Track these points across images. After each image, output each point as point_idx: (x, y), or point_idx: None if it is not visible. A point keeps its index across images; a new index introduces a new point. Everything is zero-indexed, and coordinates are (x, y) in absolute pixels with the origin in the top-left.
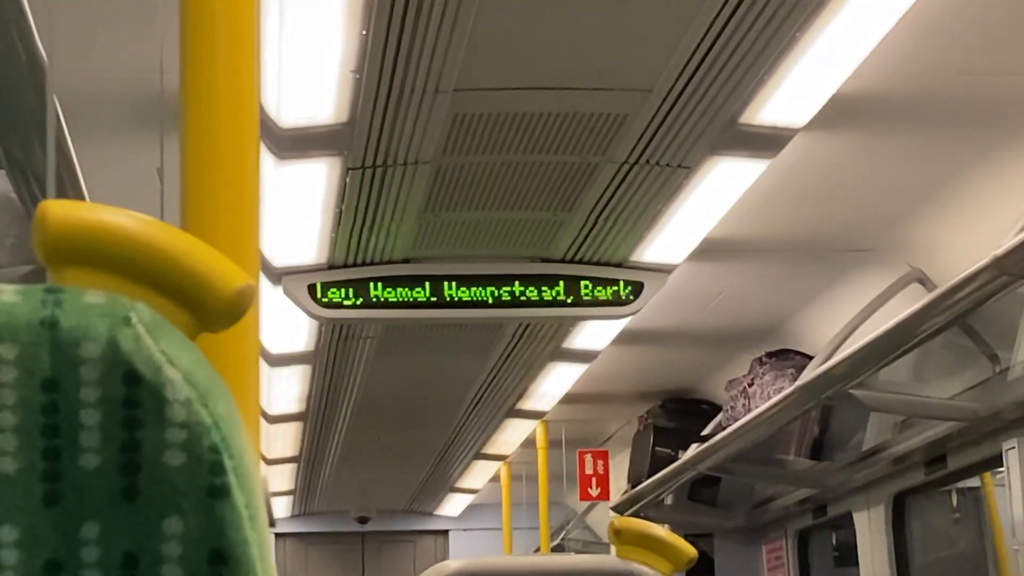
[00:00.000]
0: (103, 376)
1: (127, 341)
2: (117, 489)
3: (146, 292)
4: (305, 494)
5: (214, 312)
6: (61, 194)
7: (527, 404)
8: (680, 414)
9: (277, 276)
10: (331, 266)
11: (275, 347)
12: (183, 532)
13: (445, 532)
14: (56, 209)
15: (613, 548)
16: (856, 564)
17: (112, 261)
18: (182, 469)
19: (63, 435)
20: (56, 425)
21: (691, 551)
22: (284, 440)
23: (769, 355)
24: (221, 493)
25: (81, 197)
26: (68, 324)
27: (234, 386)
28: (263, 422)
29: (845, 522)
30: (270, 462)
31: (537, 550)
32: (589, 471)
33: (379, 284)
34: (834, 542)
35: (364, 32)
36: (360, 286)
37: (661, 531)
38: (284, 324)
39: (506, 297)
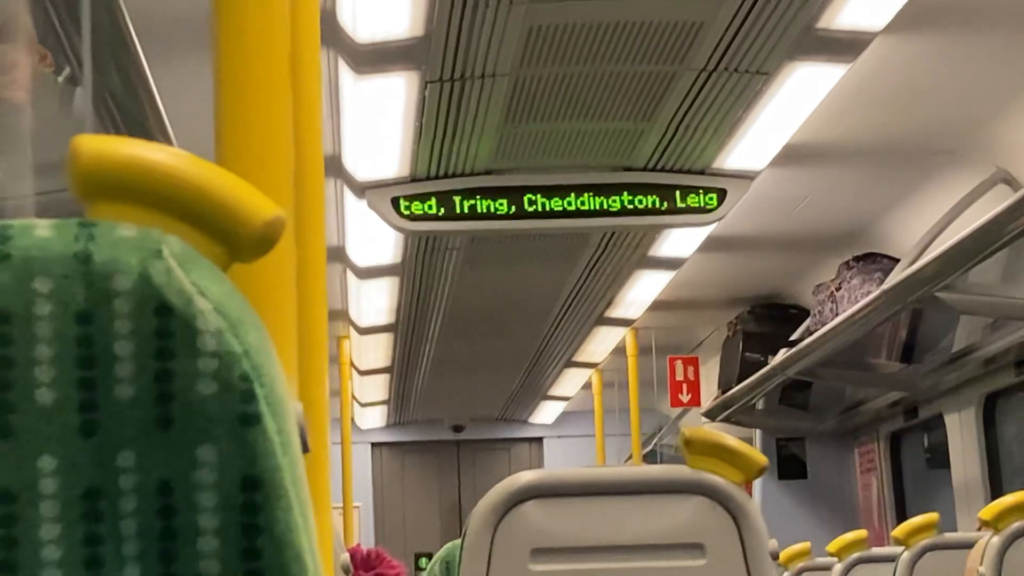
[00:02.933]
0: (135, 308)
1: (158, 273)
2: (151, 418)
3: (178, 225)
4: (399, 404)
5: (244, 243)
6: (140, 114)
7: (616, 312)
8: (769, 319)
9: (361, 190)
10: (414, 179)
11: (362, 260)
12: (216, 459)
13: (539, 439)
14: (89, 144)
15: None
16: (948, 466)
17: (144, 195)
18: (214, 398)
19: (98, 366)
20: (91, 356)
21: (762, 460)
22: (376, 351)
23: (856, 259)
24: (252, 420)
25: (159, 117)
26: (101, 258)
27: (268, 315)
28: (354, 333)
29: (936, 424)
30: (363, 372)
31: (629, 457)
32: (680, 377)
33: (462, 196)
34: (926, 444)
35: None
36: (443, 198)
37: (732, 440)
38: (370, 237)
39: (589, 206)
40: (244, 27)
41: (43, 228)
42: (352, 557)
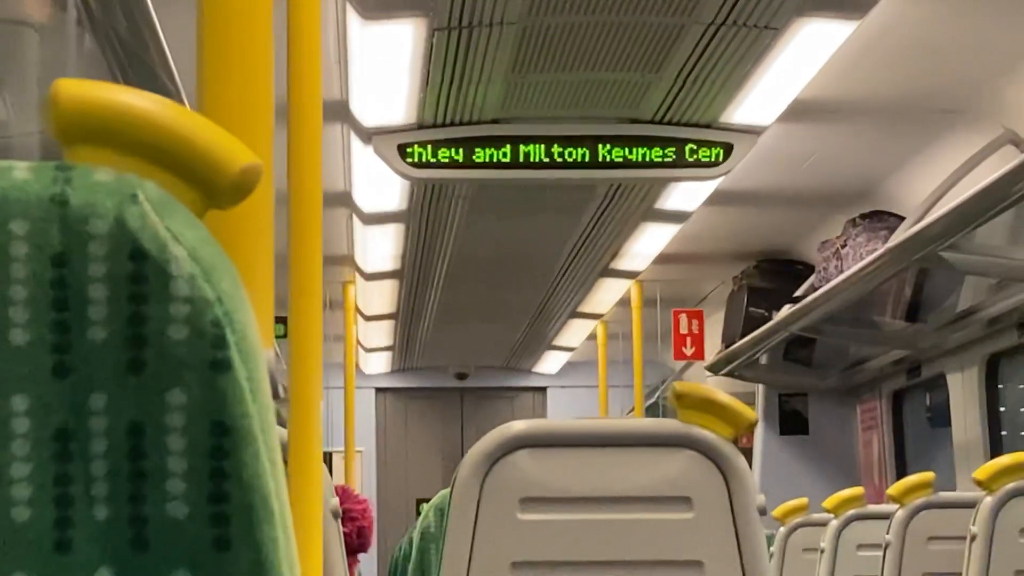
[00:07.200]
0: (110, 252)
1: (134, 218)
2: (123, 361)
3: (155, 170)
4: (404, 350)
5: (221, 189)
6: (144, 53)
7: (621, 264)
8: (774, 275)
9: (367, 136)
10: (420, 126)
11: (368, 206)
12: (186, 404)
13: (543, 389)
14: (67, 87)
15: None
16: (949, 424)
17: (121, 139)
18: (185, 343)
19: (72, 309)
20: (65, 299)
21: (752, 416)
22: (380, 297)
23: (863, 216)
24: (223, 367)
25: (163, 57)
26: (77, 201)
27: (244, 262)
28: (359, 278)
29: (939, 383)
30: (368, 318)
31: (632, 409)
32: (684, 331)
33: (468, 144)
34: (928, 403)
35: None
36: (449, 146)
37: (723, 396)
38: (376, 183)
39: (596, 158)
40: None
41: (21, 170)
42: None
